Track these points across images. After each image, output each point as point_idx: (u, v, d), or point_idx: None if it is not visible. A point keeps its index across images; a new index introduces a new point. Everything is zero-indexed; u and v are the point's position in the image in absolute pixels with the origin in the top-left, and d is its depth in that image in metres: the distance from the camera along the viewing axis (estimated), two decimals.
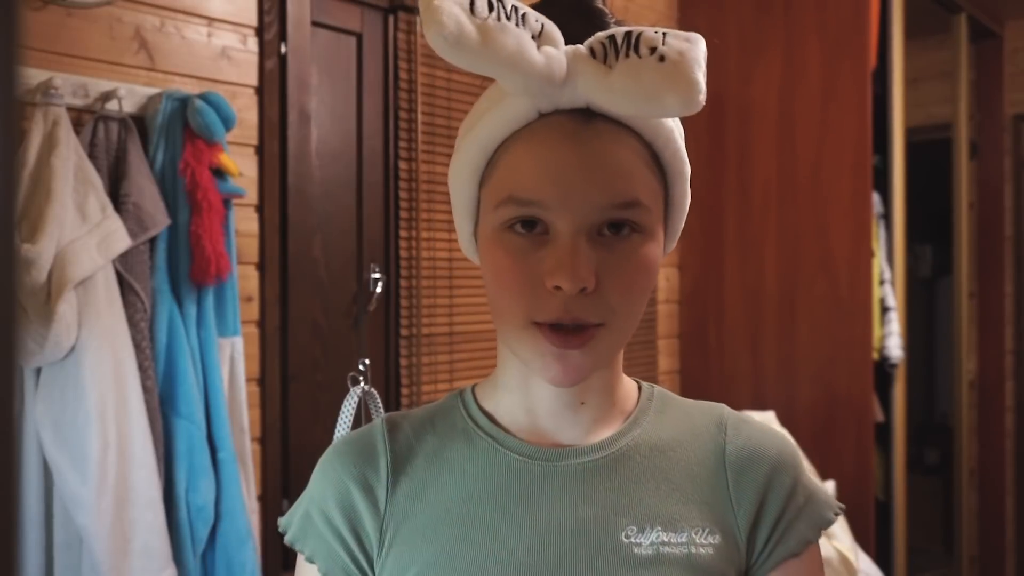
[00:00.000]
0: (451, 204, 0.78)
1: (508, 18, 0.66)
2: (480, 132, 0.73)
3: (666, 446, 0.76)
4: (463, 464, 0.76)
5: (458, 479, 0.75)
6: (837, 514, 0.78)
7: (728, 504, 0.74)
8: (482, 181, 0.74)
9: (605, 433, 0.77)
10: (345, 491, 0.75)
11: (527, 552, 0.71)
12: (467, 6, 0.65)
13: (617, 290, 0.70)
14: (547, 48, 0.67)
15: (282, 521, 0.80)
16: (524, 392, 0.77)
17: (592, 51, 0.69)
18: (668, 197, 0.75)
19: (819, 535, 0.76)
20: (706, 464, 0.76)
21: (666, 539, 0.72)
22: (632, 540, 0.71)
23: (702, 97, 0.66)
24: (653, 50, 0.67)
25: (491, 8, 0.66)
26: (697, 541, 0.72)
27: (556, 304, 0.69)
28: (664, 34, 0.68)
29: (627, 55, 0.67)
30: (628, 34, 0.68)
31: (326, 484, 0.77)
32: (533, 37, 0.67)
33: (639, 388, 0.82)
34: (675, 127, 0.74)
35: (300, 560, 0.77)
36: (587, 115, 0.70)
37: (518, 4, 0.68)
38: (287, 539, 0.78)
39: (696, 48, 0.68)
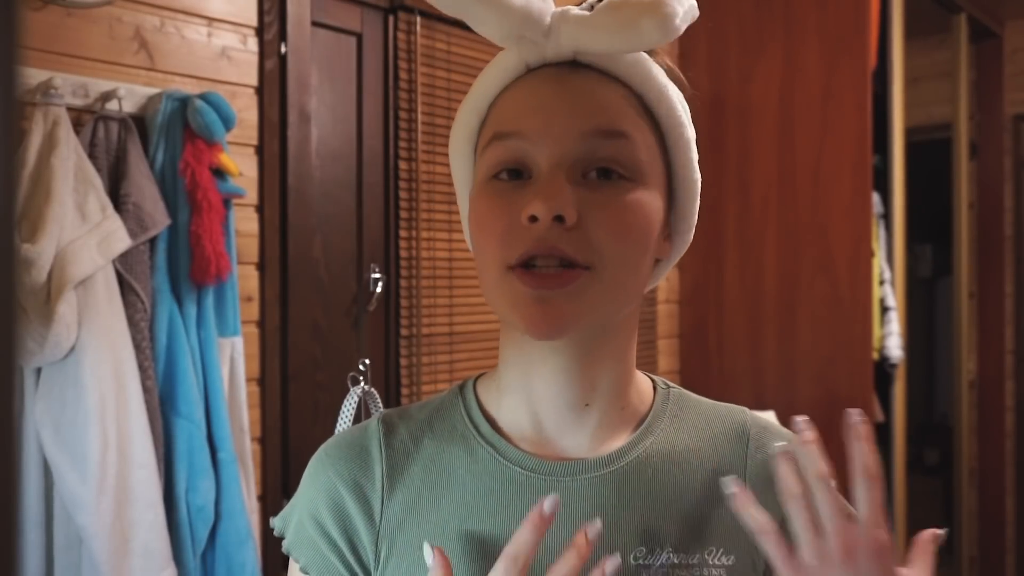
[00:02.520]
0: (453, 183, 0.77)
1: None
2: (473, 93, 0.73)
3: (681, 457, 0.72)
4: (462, 474, 0.71)
5: (457, 491, 0.71)
6: None
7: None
8: (476, 147, 0.73)
9: (614, 442, 0.72)
10: (338, 498, 0.72)
11: (529, 574, 0.67)
12: None
13: (603, 230, 0.65)
14: None
15: (276, 522, 0.77)
16: (526, 392, 0.72)
17: (579, 5, 0.69)
18: (671, 164, 0.73)
19: None
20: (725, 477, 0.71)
21: (677, 561, 0.67)
22: (641, 562, 0.67)
23: (679, 21, 0.65)
24: None
25: None
26: (709, 562, 0.68)
27: (532, 235, 0.64)
28: None
29: None
30: None
31: (319, 489, 0.73)
32: None
33: (654, 388, 0.77)
34: (669, 86, 0.72)
35: (293, 566, 0.75)
36: (574, 65, 0.70)
37: None
38: (284, 546, 0.75)
39: None
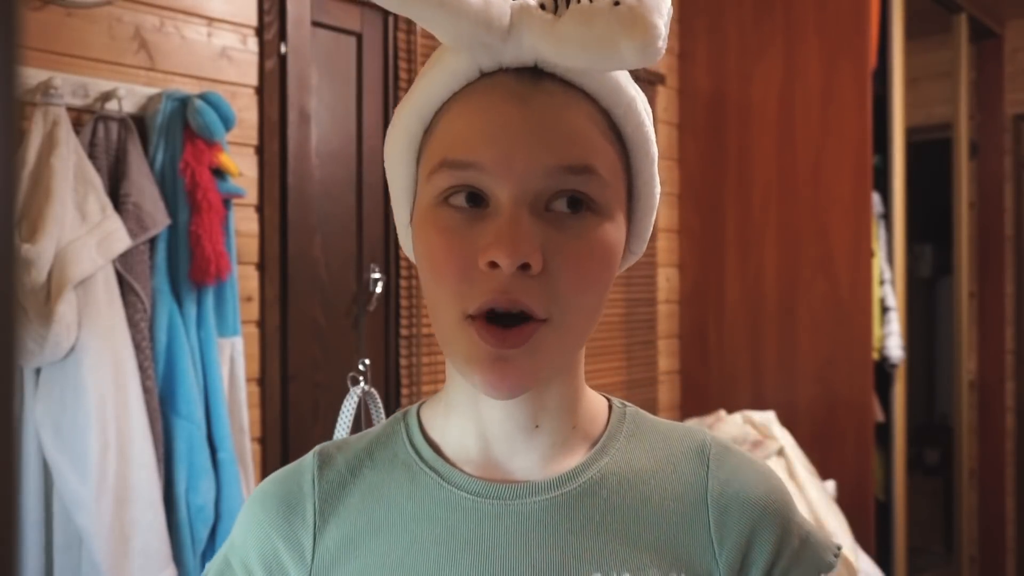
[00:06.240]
0: (389, 187, 0.69)
1: None
2: (416, 95, 0.64)
3: (638, 478, 0.67)
4: (403, 503, 0.67)
5: (397, 521, 0.66)
6: (836, 555, 0.70)
7: (708, 546, 0.65)
8: (419, 154, 0.66)
9: (567, 462, 0.67)
10: (267, 542, 0.68)
11: None
12: None
13: (567, 275, 0.60)
14: None
15: (208, 566, 0.73)
16: (474, 413, 0.68)
17: (542, 4, 0.60)
18: (633, 183, 0.67)
19: None
20: (685, 499, 0.67)
21: None
22: None
23: (661, 44, 0.57)
24: None
25: None
26: None
27: (492, 285, 0.59)
28: None
29: (578, 1, 0.59)
30: None
31: (248, 533, 0.69)
32: None
33: (609, 407, 0.72)
34: (638, 96, 0.65)
35: None
36: (536, 75, 0.62)
37: None
38: None
39: None
